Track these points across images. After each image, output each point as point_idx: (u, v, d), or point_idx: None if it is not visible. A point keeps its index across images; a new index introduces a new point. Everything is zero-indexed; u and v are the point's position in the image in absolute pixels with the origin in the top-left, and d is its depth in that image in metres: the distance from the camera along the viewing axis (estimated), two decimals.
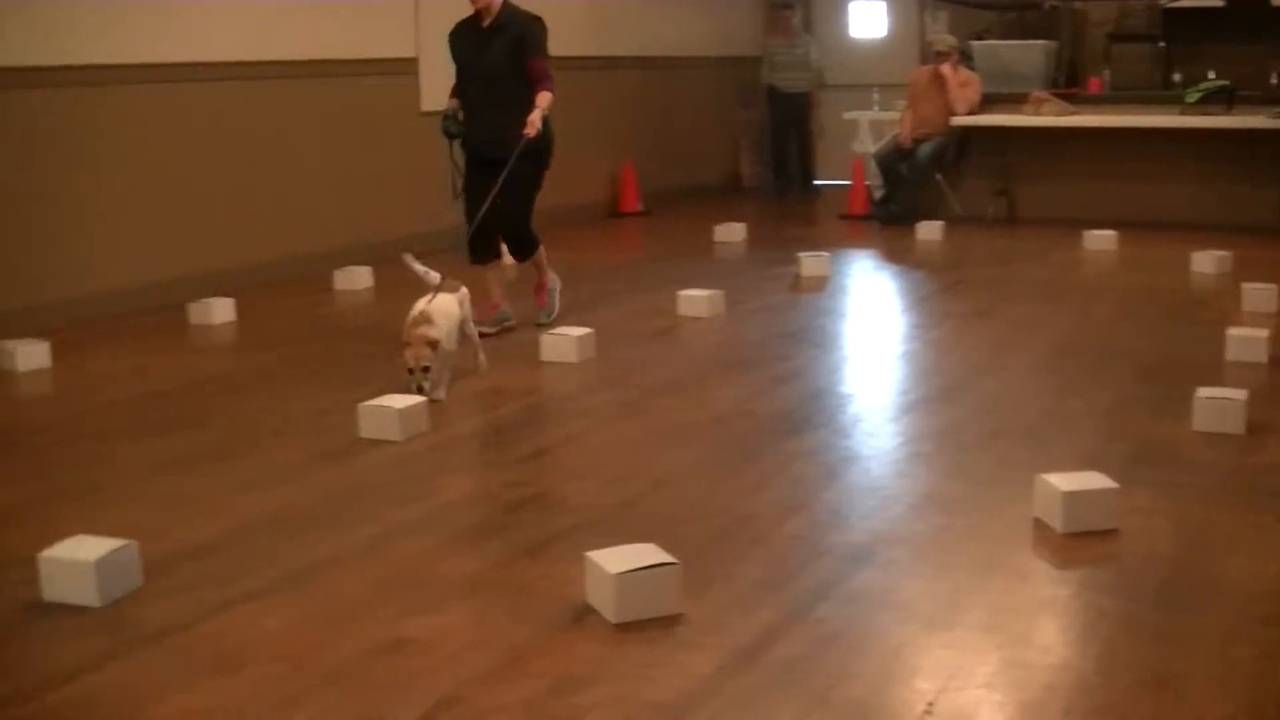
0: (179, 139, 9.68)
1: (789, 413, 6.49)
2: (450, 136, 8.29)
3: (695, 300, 8.81)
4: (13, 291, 8.59)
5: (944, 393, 6.83)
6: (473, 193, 8.21)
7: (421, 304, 6.98)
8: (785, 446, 5.95)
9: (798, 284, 10.01)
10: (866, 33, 16.94)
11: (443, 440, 6.21)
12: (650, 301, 9.28)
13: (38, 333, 8.11)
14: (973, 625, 4.08)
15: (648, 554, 4.24)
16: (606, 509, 5.18)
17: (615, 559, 4.20)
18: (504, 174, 7.85)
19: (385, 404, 6.22)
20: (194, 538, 5.00)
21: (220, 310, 9.02)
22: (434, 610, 4.27)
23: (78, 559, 4.45)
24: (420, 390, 6.49)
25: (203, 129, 9.83)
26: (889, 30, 16.81)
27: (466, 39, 8.30)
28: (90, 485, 5.71)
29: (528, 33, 8.16)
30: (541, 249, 8.64)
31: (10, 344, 7.85)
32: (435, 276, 7.32)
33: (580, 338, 7.61)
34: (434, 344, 6.67)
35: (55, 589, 4.46)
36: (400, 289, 8.96)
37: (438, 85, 11.63)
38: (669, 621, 4.11)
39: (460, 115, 8.27)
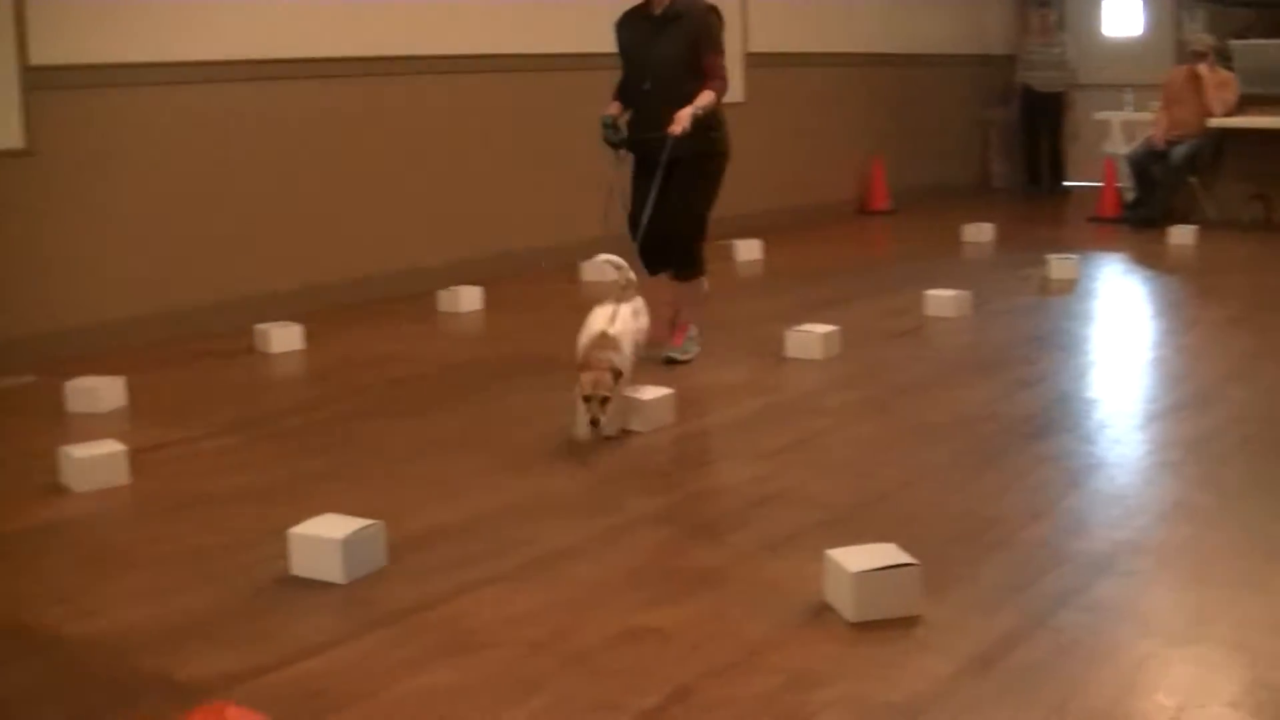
0: (432, 129, 9.88)
1: (1033, 416, 6.43)
2: (613, 146, 7.40)
3: (942, 300, 8.76)
4: (267, 276, 8.85)
5: (1194, 400, 6.70)
6: (641, 197, 7.38)
7: (601, 321, 6.35)
8: (1029, 450, 5.90)
9: (1045, 286, 9.88)
10: (1120, 31, 16.62)
11: (686, 433, 6.26)
12: (896, 301, 9.24)
13: (290, 316, 8.36)
14: (1219, 641, 3.99)
15: (888, 554, 4.25)
16: (848, 507, 5.19)
17: (855, 557, 4.21)
18: (675, 175, 7.19)
19: (633, 395, 6.29)
20: (439, 521, 5.13)
21: (468, 298, 9.19)
22: (673, 601, 4.32)
23: (325, 536, 4.60)
24: (595, 423, 5.91)
25: (454, 118, 10.02)
26: (1144, 29, 16.47)
27: (636, 30, 7.46)
28: (340, 465, 5.88)
29: (704, 25, 7.29)
30: (705, 282, 7.73)
31: (265, 326, 8.11)
32: (631, 278, 6.77)
33: (825, 335, 7.61)
34: (618, 374, 6.03)
35: (303, 565, 4.62)
36: (644, 278, 9.05)
37: None
38: (907, 622, 4.11)
39: (621, 123, 7.37)
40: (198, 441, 6.30)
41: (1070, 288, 9.80)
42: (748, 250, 11.30)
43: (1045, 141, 15.98)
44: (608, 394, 5.90)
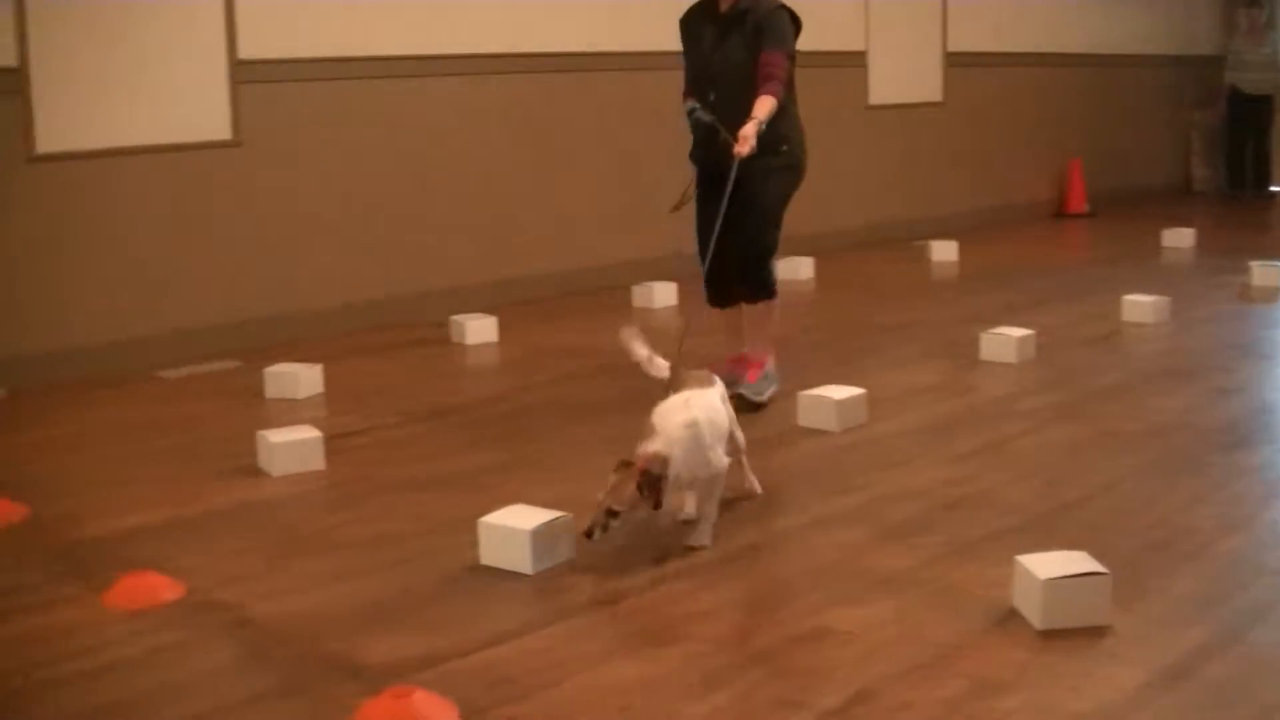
0: (631, 123, 9.93)
1: (1232, 426, 6.30)
2: (704, 126, 6.50)
3: (1139, 306, 8.61)
4: (464, 268, 8.96)
5: None
6: (706, 219, 6.54)
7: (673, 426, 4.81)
8: (1227, 461, 5.78)
9: (1247, 293, 9.68)
10: None
11: (878, 434, 6.23)
12: (1092, 305, 9.11)
13: (486, 308, 8.46)
14: None
15: (1078, 561, 4.19)
16: (1040, 513, 5.13)
17: (1045, 564, 4.16)
18: (743, 193, 6.28)
19: (824, 394, 6.29)
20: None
21: (662, 293, 9.23)
22: (859, 602, 4.30)
23: (514, 527, 4.64)
24: (590, 536, 4.53)
25: (649, 112, 10.07)
26: None
27: (700, 30, 6.66)
28: (531, 456, 5.95)
29: (766, 22, 6.43)
30: (776, 306, 6.86)
31: (461, 318, 8.22)
32: (662, 365, 5.59)
33: (1020, 338, 7.53)
34: (661, 471, 4.60)
35: (491, 554, 4.67)
36: (840, 279, 9.01)
37: (884, 78, 11.71)
38: (1095, 632, 4.05)
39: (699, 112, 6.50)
40: (391, 429, 6.41)
41: (1273, 296, 9.58)
42: (943, 251, 11.22)
43: (1251, 144, 15.64)
44: (627, 509, 4.55)
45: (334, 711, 3.63)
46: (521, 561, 4.60)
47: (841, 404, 6.23)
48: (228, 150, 7.96)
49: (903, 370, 7.43)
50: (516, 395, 7.03)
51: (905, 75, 12.28)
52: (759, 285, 6.74)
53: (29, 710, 3.69)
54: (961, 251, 11.26)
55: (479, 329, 8.21)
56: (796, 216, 10.94)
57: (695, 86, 6.60)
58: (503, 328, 8.28)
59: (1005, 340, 7.52)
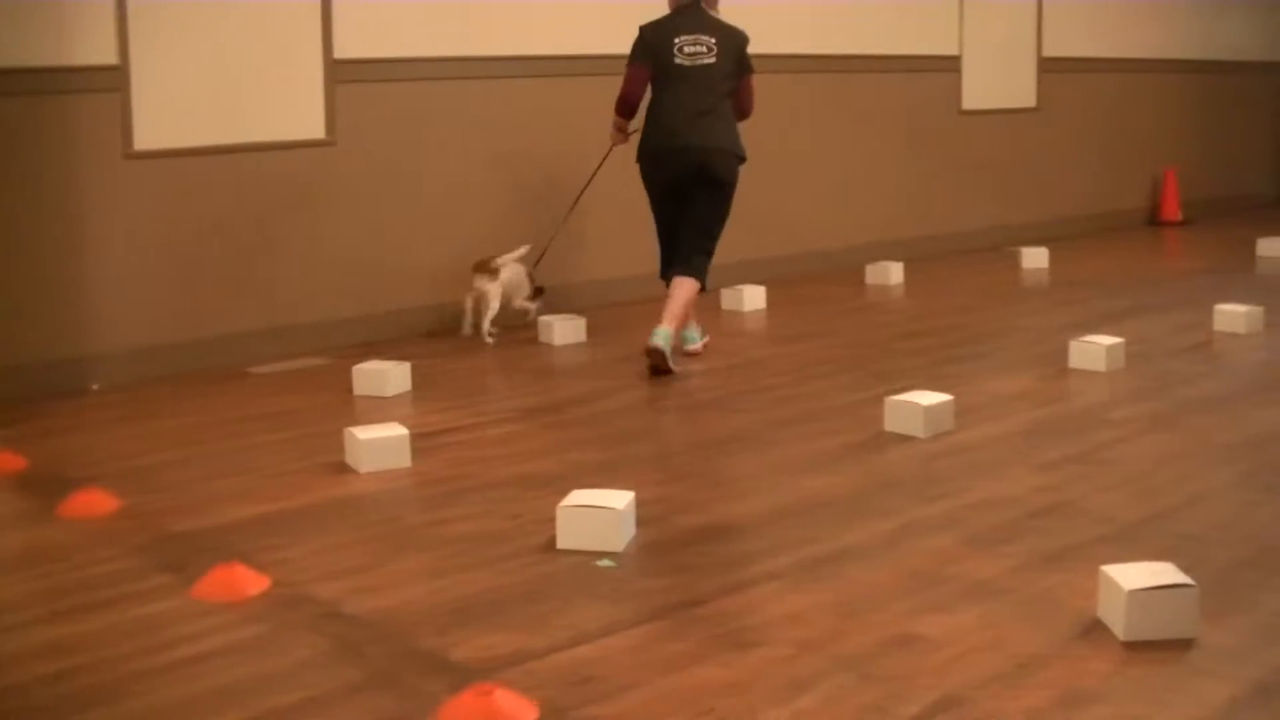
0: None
1: None
2: None
3: (1233, 315, 8.53)
4: (549, 268, 8.98)
5: None
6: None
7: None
8: None
9: None
10: None
11: (967, 440, 6.20)
12: (1185, 314, 9.03)
13: (576, 310, 8.50)
14: None
15: (1165, 573, 4.16)
16: (1130, 523, 5.09)
17: (1131, 575, 4.13)
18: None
19: (912, 399, 6.27)
20: (717, 517, 5.18)
21: (751, 297, 9.26)
22: (946, 609, 4.29)
23: (599, 505, 4.82)
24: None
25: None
26: None
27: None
28: (621, 457, 6.00)
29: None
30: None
31: (548, 319, 8.37)
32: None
33: (1110, 347, 7.47)
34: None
35: (573, 537, 4.81)
36: (930, 285, 9.00)
37: (978, 83, 11.66)
38: (1181, 645, 4.01)
39: None
40: (479, 428, 6.44)
41: None
42: (1033, 259, 11.16)
43: None
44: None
45: (421, 706, 3.65)
46: (608, 541, 4.77)
47: (929, 410, 6.21)
48: (322, 149, 8.03)
49: (991, 377, 7.39)
50: (605, 395, 7.05)
51: (999, 80, 12.23)
52: None
53: (119, 701, 3.74)
54: (1052, 259, 11.19)
55: (567, 330, 8.25)
56: (887, 222, 10.96)
57: None
58: (591, 329, 8.32)
59: (1095, 349, 7.47)
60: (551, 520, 4.88)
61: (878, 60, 10.88)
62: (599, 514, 4.78)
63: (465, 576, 4.60)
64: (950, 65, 11.64)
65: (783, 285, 9.82)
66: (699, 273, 7.63)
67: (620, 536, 4.79)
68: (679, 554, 4.77)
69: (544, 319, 8.32)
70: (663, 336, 7.32)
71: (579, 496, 4.90)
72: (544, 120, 9.02)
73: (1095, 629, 4.13)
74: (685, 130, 7.54)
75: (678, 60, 7.55)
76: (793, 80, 10.26)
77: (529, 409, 6.79)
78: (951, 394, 6.43)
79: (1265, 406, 6.79)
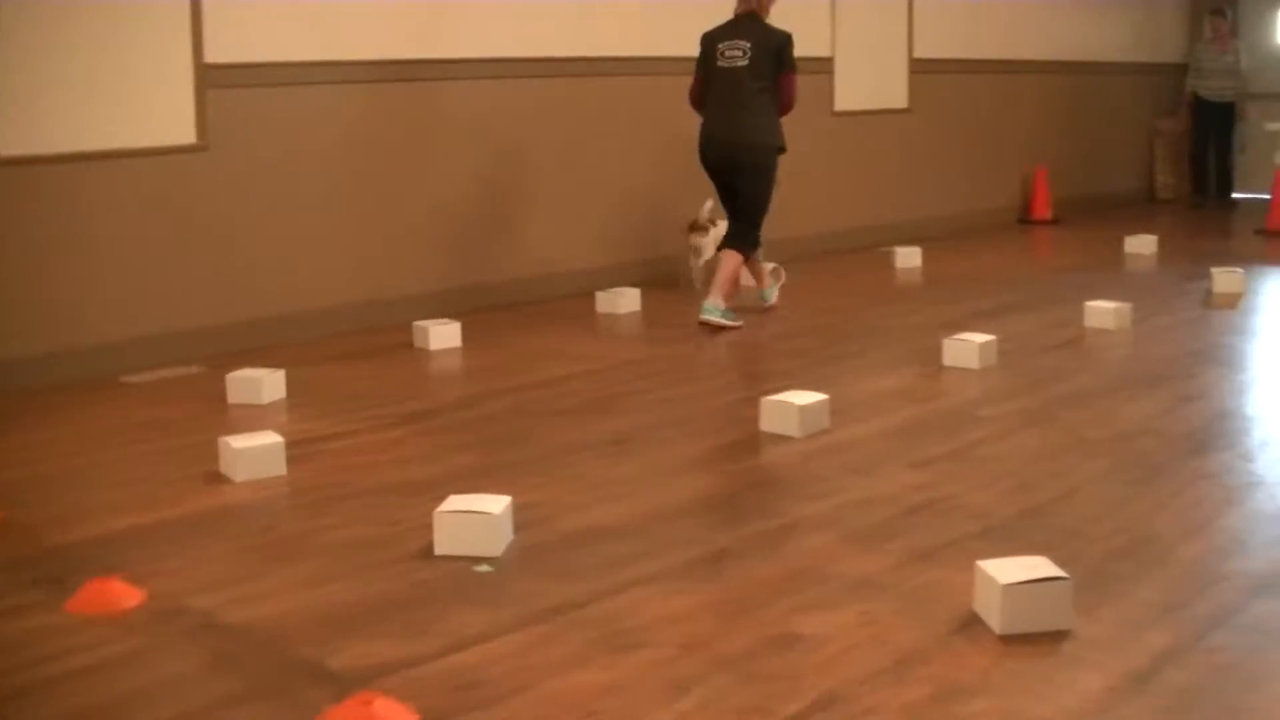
0: (592, 130, 9.95)
1: (1193, 432, 6.34)
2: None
3: (1102, 312, 8.65)
4: (427, 275, 8.96)
5: None
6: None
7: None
8: (1188, 467, 5.81)
9: (1209, 300, 9.73)
10: None
11: (843, 439, 6.24)
12: (1056, 312, 9.15)
13: (449, 314, 8.45)
14: None
15: (1039, 567, 4.21)
16: (1005, 518, 5.15)
17: (1006, 569, 4.17)
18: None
19: (787, 399, 6.30)
20: (596, 520, 5.16)
21: (627, 300, 9.25)
22: (825, 607, 4.31)
23: (476, 510, 4.81)
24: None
25: (609, 118, 10.08)
26: None
27: None
28: (497, 462, 5.94)
29: None
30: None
31: (424, 323, 8.23)
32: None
33: (983, 344, 7.56)
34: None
35: (452, 542, 4.80)
36: (804, 285, 9.04)
37: (850, 85, 11.74)
38: (1057, 637, 4.07)
39: None
40: (354, 435, 6.40)
41: (1235, 302, 9.65)
42: (907, 258, 11.26)
43: (1214, 152, 15.71)
44: None
45: (301, 717, 3.62)
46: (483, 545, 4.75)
47: (805, 409, 6.25)
48: (194, 155, 7.94)
49: (866, 376, 7.45)
50: (481, 401, 7.02)
51: (872, 82, 12.32)
52: None
53: None
54: (925, 258, 11.31)
55: (443, 335, 8.21)
56: (765, 223, 11.01)
57: None
58: (467, 334, 8.28)
59: (968, 346, 7.54)
60: (429, 526, 4.86)
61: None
62: (476, 519, 4.77)
63: (343, 585, 4.57)
64: (823, 67, 11.71)
65: (659, 287, 9.84)
66: (737, 244, 8.93)
67: (498, 541, 4.78)
68: (558, 557, 4.77)
69: (419, 324, 8.25)
70: (708, 310, 8.63)
71: (456, 502, 4.89)
72: (420, 126, 8.97)
73: (972, 623, 4.17)
74: (718, 125, 8.86)
75: (719, 63, 8.84)
76: (666, 83, 10.28)
77: (405, 415, 6.76)
78: (827, 393, 6.47)
79: (1134, 401, 6.90)
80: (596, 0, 9.87)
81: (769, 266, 9.53)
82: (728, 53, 8.81)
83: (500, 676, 3.85)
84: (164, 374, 7.62)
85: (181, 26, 7.81)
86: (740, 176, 8.88)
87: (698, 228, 9.89)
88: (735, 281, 8.98)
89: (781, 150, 8.89)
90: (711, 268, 9.32)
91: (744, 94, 8.76)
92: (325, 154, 8.52)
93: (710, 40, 8.93)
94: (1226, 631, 4.12)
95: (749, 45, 8.75)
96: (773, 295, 9.41)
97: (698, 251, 9.97)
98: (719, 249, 9.12)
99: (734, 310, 8.83)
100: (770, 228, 10.42)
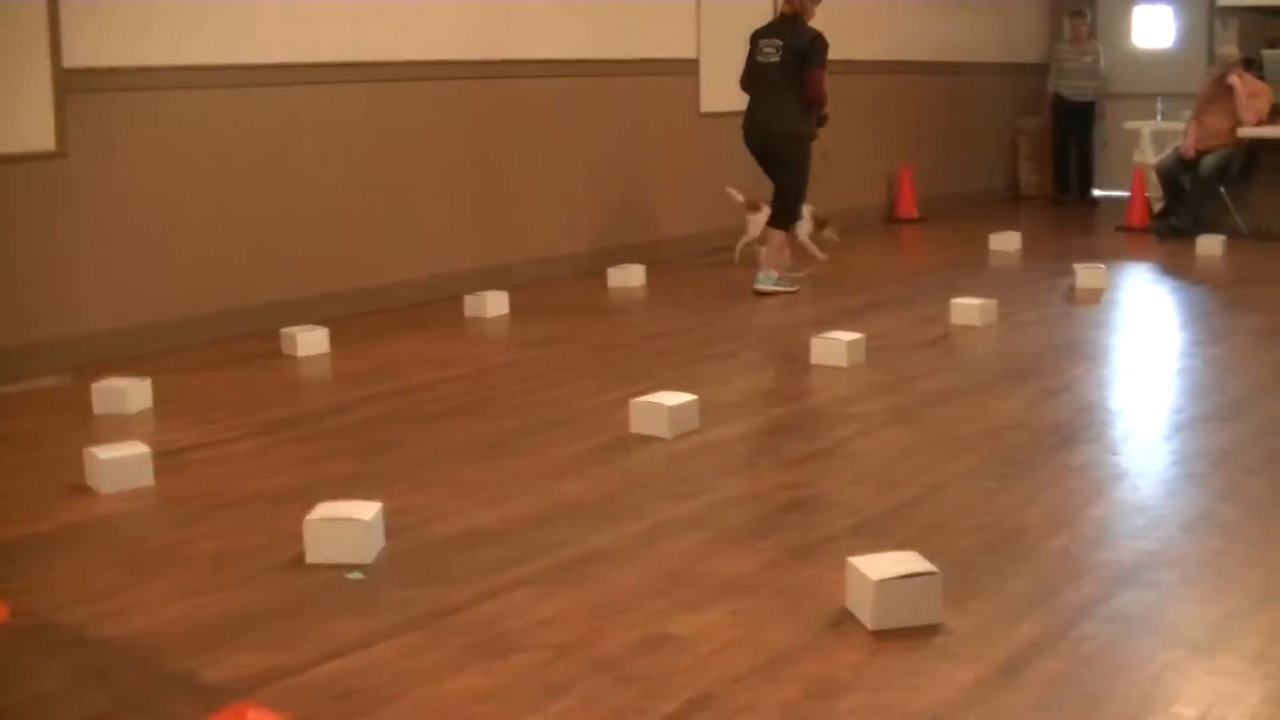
0: (458, 133, 9.91)
1: (1059, 426, 6.43)
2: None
3: (968, 309, 8.75)
4: (294, 281, 8.89)
5: (1221, 412, 6.69)
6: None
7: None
8: (1055, 460, 5.90)
9: (1073, 295, 9.87)
10: (1151, 41, 16.60)
11: (713, 439, 6.26)
12: (923, 309, 9.24)
13: (317, 321, 8.39)
14: (1242, 653, 3.99)
15: (909, 562, 4.25)
16: (875, 515, 5.19)
17: (877, 565, 4.22)
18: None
19: (656, 400, 6.31)
20: (469, 524, 5.15)
21: (495, 303, 9.22)
22: (698, 607, 4.33)
23: (347, 518, 4.78)
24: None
25: (477, 123, 10.06)
26: (1175, 38, 16.44)
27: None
28: (369, 468, 5.90)
29: None
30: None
31: (291, 330, 8.14)
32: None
33: (851, 342, 7.61)
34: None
35: (324, 550, 4.75)
36: (673, 286, 9.05)
37: (716, 86, 11.78)
38: (928, 631, 4.11)
39: None
40: (223, 444, 6.33)
41: (1097, 297, 9.79)
42: None
43: (1075, 150, 15.95)
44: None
45: None
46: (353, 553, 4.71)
47: (674, 410, 6.26)
48: (53, 162, 7.81)
49: (735, 376, 7.50)
50: (351, 407, 6.97)
51: (737, 83, 12.35)
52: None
53: None
54: (793, 258, 11.35)
55: (310, 341, 8.11)
56: (629, 225, 11.03)
57: None
58: (335, 340, 8.22)
59: (836, 345, 7.59)
60: (300, 535, 4.82)
61: (614, 64, 10.93)
62: (346, 526, 4.74)
63: (215, 596, 4.52)
64: (688, 69, 11.74)
65: (526, 290, 9.81)
66: (778, 222, 10.14)
67: (369, 548, 4.75)
68: (431, 563, 4.75)
69: (286, 330, 8.17)
70: (761, 280, 9.95)
71: (326, 509, 4.85)
72: (283, 130, 8.89)
73: (845, 620, 4.21)
74: (752, 115, 10.03)
75: (758, 58, 9.92)
76: (528, 85, 10.28)
77: (274, 422, 6.69)
78: (696, 394, 6.48)
79: (1001, 397, 6.98)
80: (456, 6, 9.83)
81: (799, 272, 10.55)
82: (765, 49, 9.85)
83: (376, 684, 3.83)
84: (28, 385, 7.48)
85: (39, 30, 7.66)
86: (773, 163, 10.03)
87: (750, 207, 10.96)
88: (781, 254, 10.13)
89: (809, 139, 9.94)
90: (751, 247, 10.95)
91: (775, 88, 9.81)
92: (189, 160, 8.41)
93: (755, 37, 10.00)
94: (1093, 621, 4.19)
95: (781, 43, 9.77)
96: (769, 282, 10.01)
97: (745, 228, 11.07)
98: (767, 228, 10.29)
99: (788, 279, 10.08)
100: (639, 230, 10.50)
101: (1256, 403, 6.86)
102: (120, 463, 5.64)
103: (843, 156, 13.47)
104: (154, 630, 4.25)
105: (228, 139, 8.60)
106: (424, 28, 9.60)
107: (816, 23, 9.88)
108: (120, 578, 4.70)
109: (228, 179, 8.62)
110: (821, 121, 10.01)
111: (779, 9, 10.07)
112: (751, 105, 10.06)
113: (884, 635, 4.09)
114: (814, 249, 11.17)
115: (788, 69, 9.76)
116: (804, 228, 11.01)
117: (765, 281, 9.95)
